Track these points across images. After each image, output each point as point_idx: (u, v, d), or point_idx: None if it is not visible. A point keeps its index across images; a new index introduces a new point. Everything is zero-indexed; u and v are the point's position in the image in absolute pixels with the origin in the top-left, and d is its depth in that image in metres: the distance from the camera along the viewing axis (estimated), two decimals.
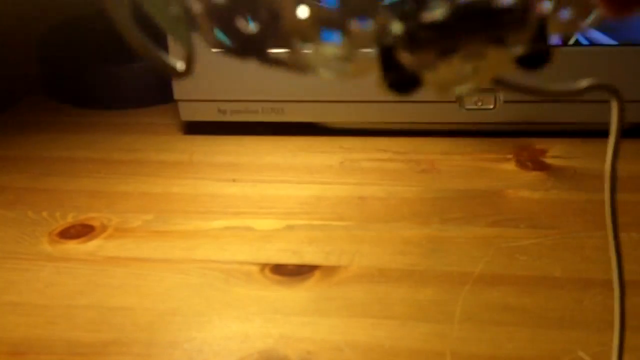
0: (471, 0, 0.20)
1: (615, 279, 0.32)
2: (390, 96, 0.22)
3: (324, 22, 0.21)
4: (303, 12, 0.21)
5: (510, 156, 0.63)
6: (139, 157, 0.66)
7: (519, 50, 0.21)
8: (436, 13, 0.20)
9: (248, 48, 0.22)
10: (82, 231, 0.54)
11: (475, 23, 0.21)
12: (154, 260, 0.51)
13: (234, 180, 0.61)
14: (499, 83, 0.23)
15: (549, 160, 0.62)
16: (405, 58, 0.21)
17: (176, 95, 0.67)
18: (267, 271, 0.49)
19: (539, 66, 0.21)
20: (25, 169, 0.64)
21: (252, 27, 0.21)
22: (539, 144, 0.65)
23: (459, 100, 0.64)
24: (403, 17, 0.21)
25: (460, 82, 0.22)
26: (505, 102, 0.64)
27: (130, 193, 0.60)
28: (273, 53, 0.22)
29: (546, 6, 0.21)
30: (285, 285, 0.48)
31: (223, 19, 0.21)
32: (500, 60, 0.21)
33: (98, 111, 0.74)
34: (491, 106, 0.64)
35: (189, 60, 0.23)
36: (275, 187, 0.60)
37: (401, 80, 0.21)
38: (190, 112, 0.68)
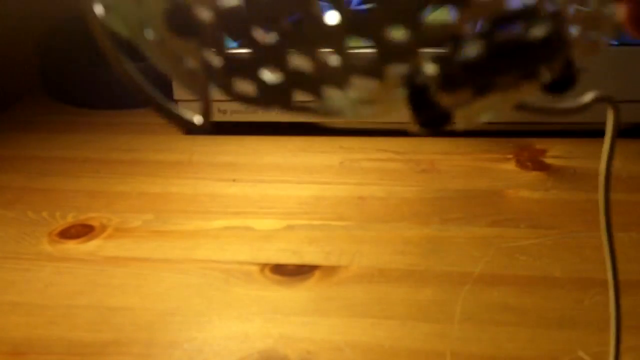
0: (506, 37, 0.20)
1: (609, 279, 0.32)
2: (422, 133, 0.21)
3: (357, 70, 0.20)
4: (334, 60, 0.20)
5: (510, 156, 0.63)
6: (138, 157, 0.66)
7: (547, 77, 0.21)
8: (472, 53, 0.20)
9: (273, 98, 0.21)
10: (82, 231, 0.54)
11: (511, 60, 0.20)
12: (153, 260, 0.51)
13: (233, 180, 0.61)
14: (519, 107, 0.23)
15: (548, 160, 0.62)
16: (440, 98, 0.20)
17: (176, 95, 0.67)
18: (267, 271, 0.49)
19: (565, 91, 0.21)
20: (24, 169, 0.64)
21: (276, 77, 0.21)
22: (539, 144, 0.65)
23: None
24: (438, 59, 0.20)
25: (487, 111, 0.22)
26: None
27: (130, 193, 0.60)
28: (298, 101, 0.21)
29: (573, 32, 0.21)
30: (285, 285, 0.48)
31: (246, 72, 0.21)
32: (530, 89, 0.21)
33: (98, 111, 0.74)
34: None
35: (207, 113, 0.22)
36: (275, 187, 0.60)
37: (434, 119, 0.21)
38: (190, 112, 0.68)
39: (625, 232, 0.52)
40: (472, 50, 0.20)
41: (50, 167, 0.64)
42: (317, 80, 0.21)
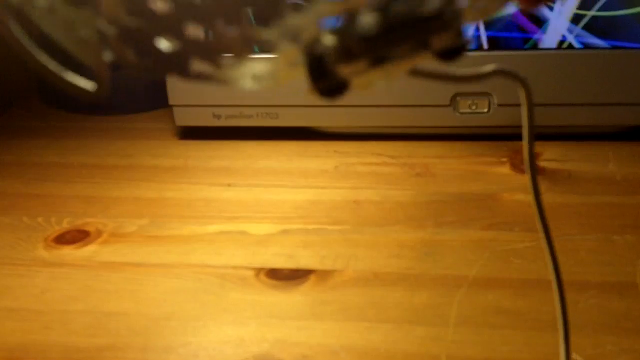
0: (400, 11, 0.21)
1: (553, 279, 0.33)
2: (323, 101, 0.22)
3: (256, 42, 0.21)
4: (232, 32, 0.21)
5: (504, 159, 0.63)
6: (133, 162, 0.66)
7: (438, 46, 0.22)
8: (368, 26, 0.20)
9: (169, 66, 0.21)
10: (77, 236, 0.54)
11: (405, 33, 0.21)
12: (149, 265, 0.51)
13: (229, 185, 0.61)
14: (412, 72, 0.23)
15: (543, 164, 0.62)
16: (338, 68, 0.21)
17: (171, 101, 0.67)
18: (262, 275, 0.49)
19: (456, 58, 0.22)
20: (19, 174, 0.64)
21: (173, 45, 0.21)
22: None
23: (452, 103, 0.65)
24: (335, 31, 0.21)
25: (382, 78, 0.22)
26: (499, 105, 0.64)
27: (125, 198, 0.60)
28: (195, 69, 0.22)
29: (463, 4, 0.21)
30: (281, 289, 0.48)
31: (142, 40, 0.21)
32: (423, 57, 0.22)
33: (93, 116, 0.74)
34: (485, 110, 0.65)
35: (102, 79, 0.22)
36: (270, 192, 0.60)
37: (332, 87, 0.22)
38: (185, 117, 0.68)
39: (620, 235, 0.52)
40: (368, 23, 0.20)
41: (46, 172, 0.64)
42: (215, 50, 0.21)
